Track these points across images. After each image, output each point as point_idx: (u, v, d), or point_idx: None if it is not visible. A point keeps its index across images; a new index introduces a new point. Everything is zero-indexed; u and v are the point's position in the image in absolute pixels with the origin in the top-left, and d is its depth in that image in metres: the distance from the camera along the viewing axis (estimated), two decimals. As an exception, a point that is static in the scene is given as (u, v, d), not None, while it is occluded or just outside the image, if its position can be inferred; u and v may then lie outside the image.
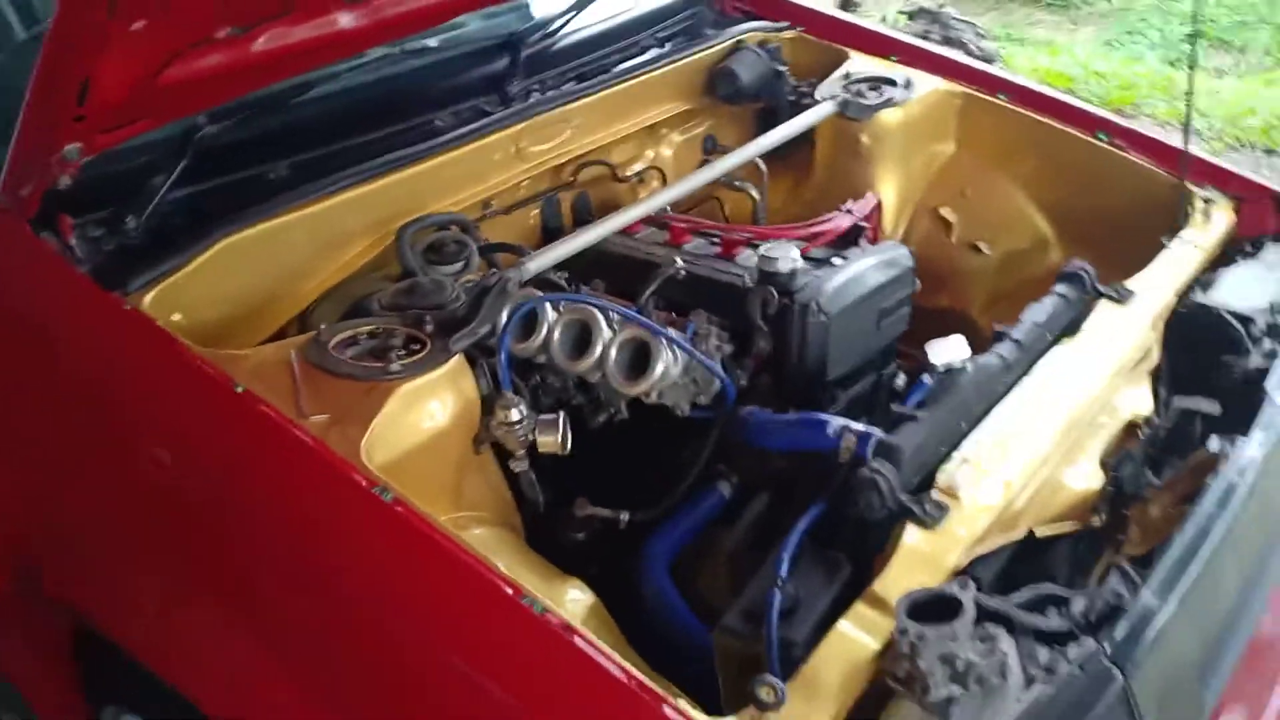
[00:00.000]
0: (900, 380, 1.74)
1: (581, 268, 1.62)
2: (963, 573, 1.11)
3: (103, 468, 1.25)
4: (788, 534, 1.18)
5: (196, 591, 1.16)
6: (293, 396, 1.17)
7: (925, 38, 5.14)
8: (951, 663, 0.95)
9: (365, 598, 1.04)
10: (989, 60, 5.16)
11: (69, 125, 1.21)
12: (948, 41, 5.07)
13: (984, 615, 1.04)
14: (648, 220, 1.80)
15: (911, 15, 5.27)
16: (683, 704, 0.92)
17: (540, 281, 1.53)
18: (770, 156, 2.08)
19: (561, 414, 1.30)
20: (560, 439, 1.28)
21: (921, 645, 0.94)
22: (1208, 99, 5.25)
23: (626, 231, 1.77)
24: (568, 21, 2.00)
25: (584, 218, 2.01)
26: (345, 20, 1.47)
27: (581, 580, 1.21)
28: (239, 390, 1.14)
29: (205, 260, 1.38)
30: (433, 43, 1.81)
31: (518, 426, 1.27)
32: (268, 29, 1.37)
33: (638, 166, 2.07)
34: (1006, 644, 1.00)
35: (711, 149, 2.20)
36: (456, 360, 1.25)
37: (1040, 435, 1.27)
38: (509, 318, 1.31)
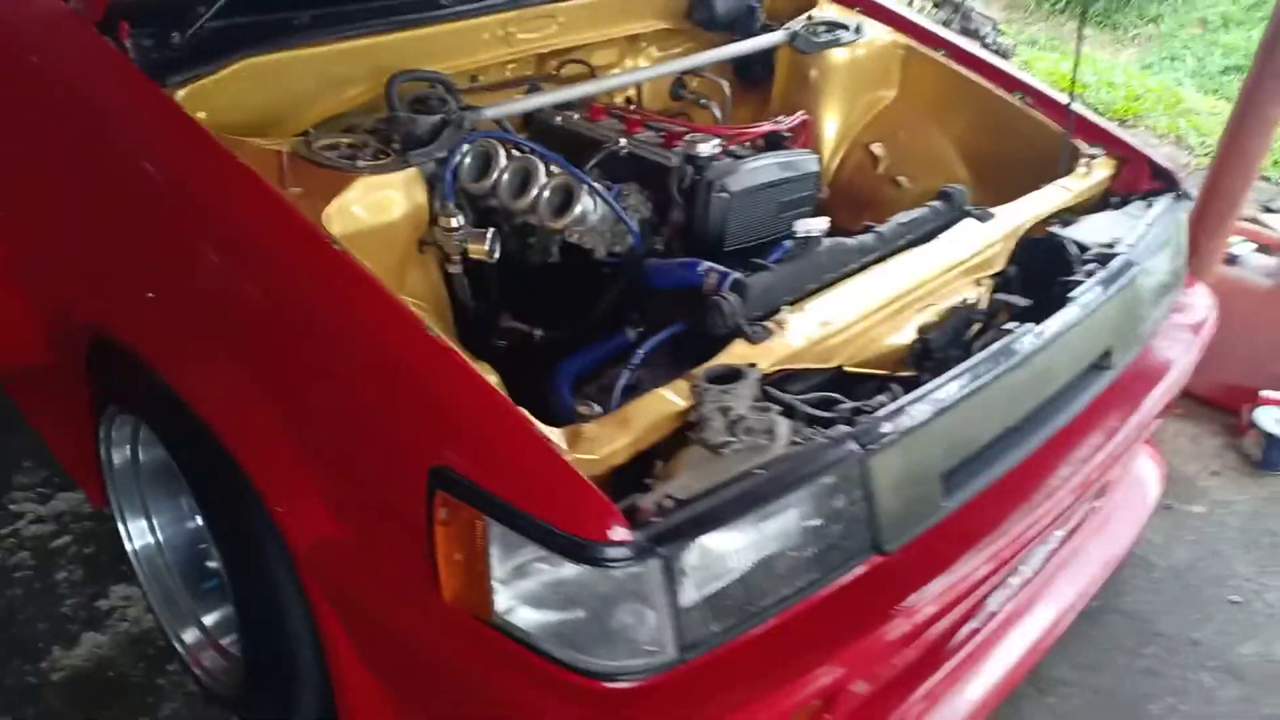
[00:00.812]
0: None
1: (548, 142, 1.94)
2: (774, 380, 1.43)
3: (138, 211, 1.59)
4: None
5: (194, 301, 1.50)
6: (279, 173, 1.50)
7: (946, 26, 5.38)
8: (727, 413, 1.27)
9: (314, 316, 1.38)
10: (1004, 55, 5.38)
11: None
12: (966, 32, 5.29)
13: (773, 399, 1.36)
14: (610, 113, 2.11)
15: (936, 4, 5.48)
16: (523, 411, 1.25)
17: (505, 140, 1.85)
18: (740, 83, 2.40)
19: (491, 229, 1.62)
20: (488, 248, 1.61)
21: (705, 395, 1.27)
22: (1210, 120, 5.45)
23: (591, 119, 2.09)
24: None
25: (564, 108, 2.32)
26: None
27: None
28: (241, 161, 1.47)
29: (229, 73, 1.71)
30: (450, -66, 2.11)
31: (455, 233, 1.60)
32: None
33: (615, 71, 2.38)
34: (780, 418, 1.32)
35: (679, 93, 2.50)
36: (412, 171, 1.58)
37: (868, 300, 1.58)
38: (457, 145, 1.63)
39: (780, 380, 1.45)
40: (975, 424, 1.49)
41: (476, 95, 2.11)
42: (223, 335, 1.46)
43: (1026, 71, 3.60)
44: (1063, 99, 2.20)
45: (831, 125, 2.39)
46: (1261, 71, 2.43)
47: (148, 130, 1.60)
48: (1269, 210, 4.45)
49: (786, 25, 2.34)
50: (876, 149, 2.38)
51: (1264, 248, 2.89)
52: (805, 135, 2.18)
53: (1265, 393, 2.80)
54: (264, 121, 1.77)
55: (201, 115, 1.66)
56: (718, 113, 2.36)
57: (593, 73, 2.31)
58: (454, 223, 1.60)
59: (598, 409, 1.31)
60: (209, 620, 1.92)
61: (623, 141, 1.93)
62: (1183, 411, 2.91)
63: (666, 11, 2.38)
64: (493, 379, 1.50)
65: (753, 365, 1.34)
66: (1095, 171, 2.07)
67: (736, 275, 1.56)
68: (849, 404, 1.38)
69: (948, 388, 1.44)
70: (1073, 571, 1.95)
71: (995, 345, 1.53)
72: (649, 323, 1.79)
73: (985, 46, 5.24)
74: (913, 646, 1.45)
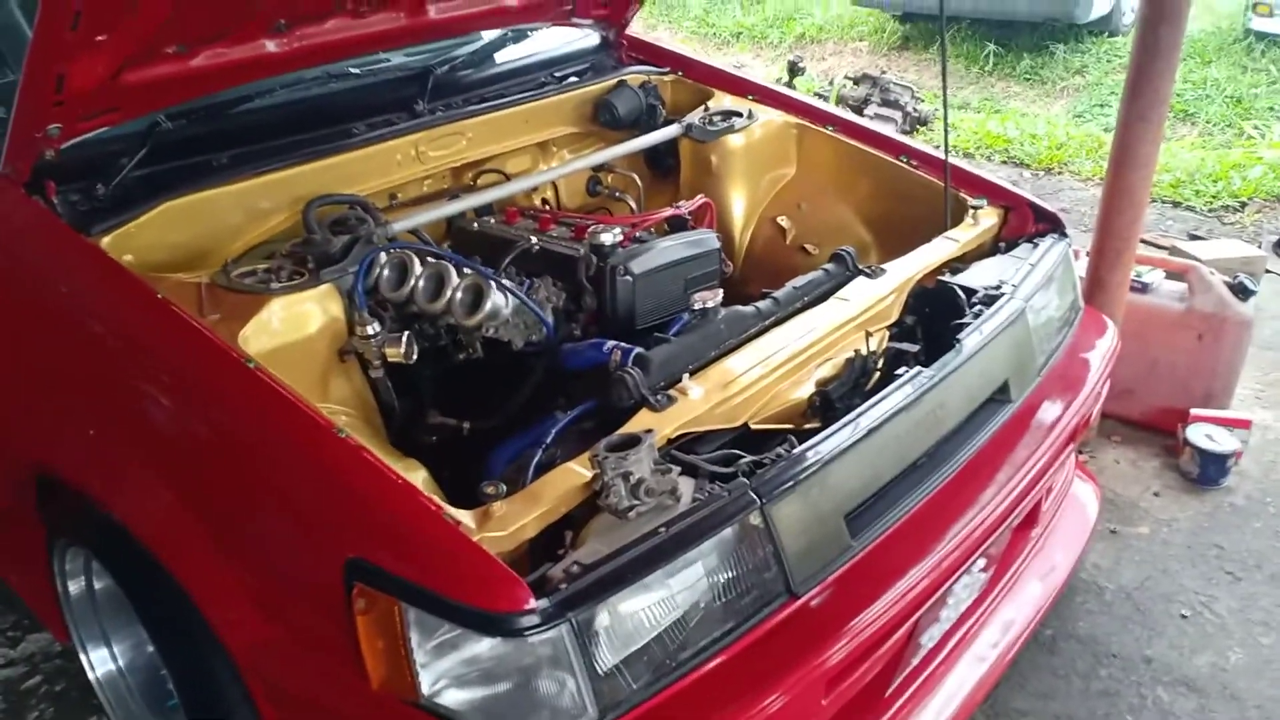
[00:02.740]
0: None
1: (466, 245, 2.07)
2: (681, 444, 1.51)
3: (73, 354, 1.68)
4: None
5: (126, 432, 1.58)
6: (198, 303, 1.60)
7: (867, 100, 5.64)
8: (628, 478, 1.34)
9: (233, 431, 1.46)
10: (924, 122, 5.63)
11: (50, 109, 1.66)
12: (886, 104, 5.55)
13: (675, 461, 1.44)
14: (524, 214, 2.24)
15: (856, 81, 5.76)
16: (435, 498, 1.32)
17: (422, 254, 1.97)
18: (652, 176, 2.56)
19: (406, 333, 1.72)
20: (404, 350, 1.70)
21: (606, 463, 1.34)
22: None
23: (508, 221, 2.21)
24: (476, 59, 2.48)
25: (482, 213, 2.45)
26: (271, 46, 1.94)
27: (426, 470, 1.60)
28: (160, 296, 1.57)
29: (153, 215, 1.82)
30: (356, 70, 2.27)
31: (373, 339, 1.70)
32: (206, 49, 1.84)
33: (529, 174, 2.52)
34: (682, 478, 1.40)
35: (597, 168, 2.66)
36: (325, 287, 1.69)
37: (768, 360, 1.68)
38: (367, 257, 1.74)
39: (688, 443, 1.53)
40: (875, 465, 1.57)
41: (396, 211, 2.24)
42: (153, 461, 1.53)
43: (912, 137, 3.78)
44: (939, 156, 2.35)
45: (738, 204, 2.54)
46: (1129, 115, 2.60)
47: (75, 278, 1.70)
48: (1194, 237, 4.65)
49: (684, 119, 2.50)
50: (783, 221, 2.51)
51: (1173, 274, 3.03)
52: (709, 216, 2.31)
53: (1195, 411, 2.91)
54: (190, 257, 1.87)
55: (128, 258, 1.76)
56: (633, 204, 2.50)
57: (507, 179, 2.45)
58: (370, 330, 1.70)
59: (504, 488, 1.38)
60: (172, 743, 1.95)
61: (534, 239, 2.06)
62: (1120, 439, 3.01)
63: (572, 118, 2.54)
64: (420, 474, 1.58)
65: (649, 430, 1.42)
66: (981, 220, 2.20)
67: (638, 350, 1.66)
68: (748, 458, 1.46)
69: (841, 433, 1.53)
70: (1014, 600, 2.01)
71: (887, 389, 1.62)
72: (573, 404, 1.89)
73: (906, 115, 5.50)
74: (843, 689, 1.50)
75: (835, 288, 1.94)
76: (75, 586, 1.91)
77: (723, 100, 2.61)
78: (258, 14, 1.84)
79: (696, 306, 1.75)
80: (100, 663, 1.97)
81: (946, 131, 2.25)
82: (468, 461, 1.80)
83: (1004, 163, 5.81)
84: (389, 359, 1.72)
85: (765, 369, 1.66)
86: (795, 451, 1.47)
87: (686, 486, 1.39)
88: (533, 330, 1.88)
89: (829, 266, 2.01)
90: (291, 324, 1.64)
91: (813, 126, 2.52)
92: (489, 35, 2.58)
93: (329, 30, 2.00)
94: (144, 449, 1.55)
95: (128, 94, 1.80)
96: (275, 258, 1.80)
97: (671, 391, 1.58)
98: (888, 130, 2.61)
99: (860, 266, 2.00)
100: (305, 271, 1.73)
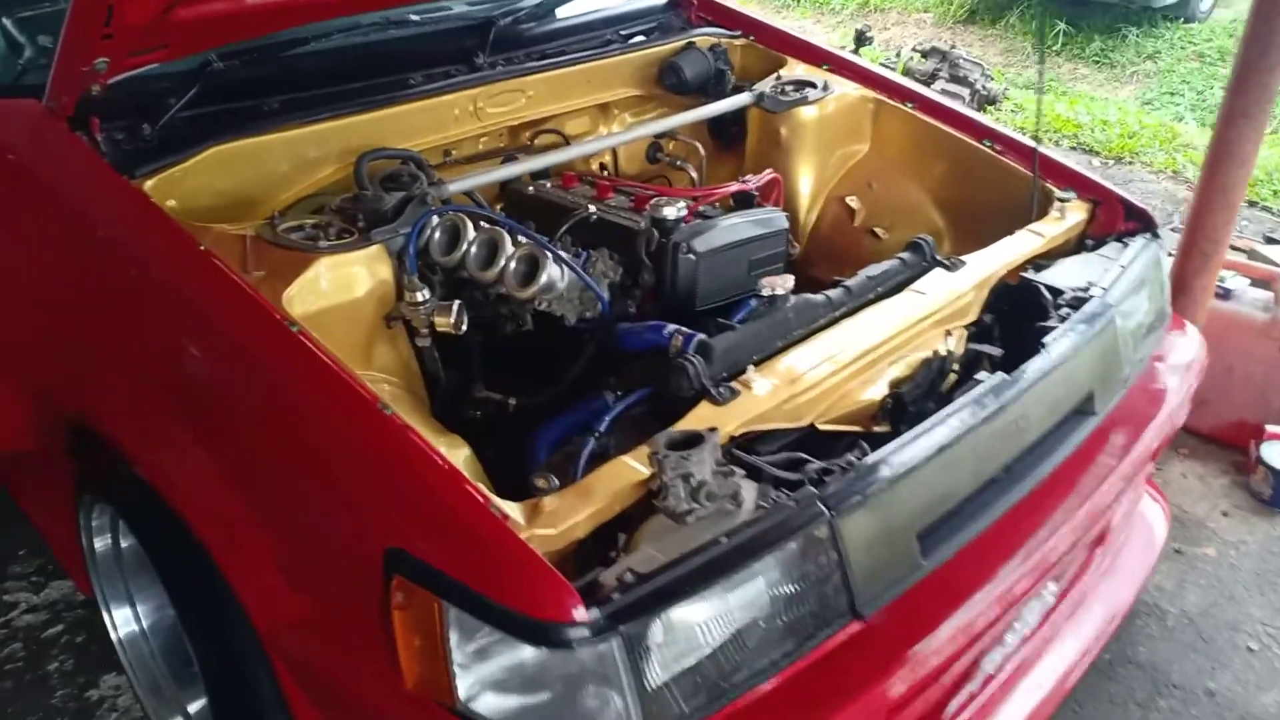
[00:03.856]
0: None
1: (519, 209, 1.96)
2: (743, 442, 1.41)
3: (109, 300, 1.61)
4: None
5: (163, 388, 1.50)
6: (242, 258, 1.51)
7: (935, 75, 5.43)
8: (689, 480, 1.24)
9: (273, 400, 1.37)
10: (993, 101, 5.42)
11: (98, 42, 1.57)
12: (955, 80, 5.34)
13: (738, 462, 1.34)
14: (582, 179, 2.13)
15: (925, 54, 5.55)
16: (481, 487, 1.23)
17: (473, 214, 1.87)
18: (715, 144, 2.43)
19: (457, 301, 1.62)
20: (454, 320, 1.60)
21: (666, 463, 1.24)
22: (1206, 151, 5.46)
23: (564, 186, 2.10)
24: (541, 11, 2.36)
25: (538, 176, 2.34)
26: (335, -14, 1.82)
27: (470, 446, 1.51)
28: (202, 248, 1.48)
29: (199, 160, 1.74)
30: (415, 17, 2.16)
31: (422, 307, 1.60)
32: (266, -16, 1.73)
33: (589, 138, 2.41)
34: (745, 481, 1.30)
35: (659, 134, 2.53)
36: (375, 248, 1.59)
37: (838, 356, 1.57)
38: (420, 219, 1.64)
39: (749, 442, 1.43)
40: (950, 479, 1.46)
41: (450, 169, 2.14)
42: (188, 421, 1.45)
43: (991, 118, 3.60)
44: (1029, 143, 2.20)
45: (805, 181, 2.40)
46: (1232, 110, 2.43)
47: (116, 221, 1.62)
48: (1270, 241, 4.43)
49: (754, 86, 2.36)
50: (852, 202, 2.38)
51: (1258, 281, 2.86)
52: (776, 193, 2.18)
53: (1272, 428, 2.75)
54: (236, 205, 1.79)
55: (171, 203, 1.68)
56: (694, 174, 2.38)
57: (567, 142, 2.34)
58: (419, 296, 1.60)
59: (555, 482, 1.29)
60: (193, 708, 1.89)
61: (591, 208, 1.94)
62: (1189, 451, 2.86)
63: (636, 79, 2.41)
64: (463, 452, 1.49)
65: (713, 429, 1.32)
66: (1068, 215, 2.06)
67: (701, 336, 1.55)
68: (817, 464, 1.36)
69: (919, 443, 1.42)
70: (1077, 624, 1.90)
71: (966, 396, 1.50)
72: (625, 387, 1.79)
73: (975, 93, 5.29)
74: (903, 717, 1.40)
75: (911, 279, 1.81)
76: (101, 543, 1.85)
77: (795, 69, 2.47)
78: (320, -49, 1.73)
79: (765, 293, 1.64)
80: (124, 623, 1.91)
81: (1039, 117, 2.13)
82: (512, 438, 1.72)
83: (1073, 148, 5.58)
84: (437, 328, 1.62)
85: (835, 365, 1.55)
86: (868, 460, 1.36)
87: (749, 491, 1.29)
88: (587, 306, 1.78)
89: (905, 255, 1.88)
90: (338, 285, 1.55)
91: (890, 102, 2.37)
92: (554, -16, 2.45)
93: (391, -30, 1.89)
94: (178, 407, 1.47)
95: (179, 30, 1.70)
96: (324, 212, 1.71)
97: (735, 384, 1.47)
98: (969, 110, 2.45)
99: (938, 257, 1.87)
100: (354, 230, 1.63)
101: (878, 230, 2.35)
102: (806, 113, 2.32)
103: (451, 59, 2.17)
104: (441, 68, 2.14)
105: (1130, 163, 5.42)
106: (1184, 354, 2.06)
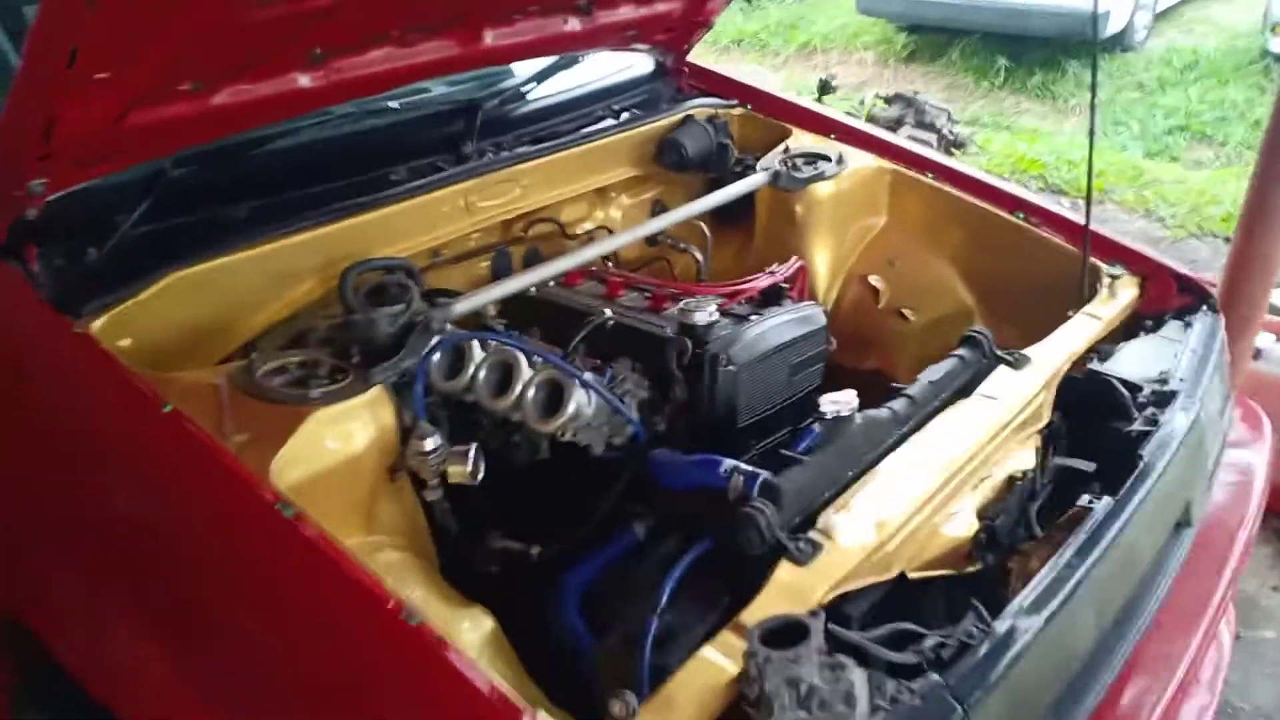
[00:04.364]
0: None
1: (521, 315, 1.74)
2: (829, 607, 1.19)
3: (45, 471, 1.34)
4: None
5: (114, 592, 1.24)
6: (217, 416, 1.26)
7: (900, 121, 5.35)
8: (796, 686, 1.02)
9: (261, 606, 1.12)
10: (960, 145, 5.36)
11: (34, 163, 1.32)
12: (921, 125, 5.27)
13: (839, 646, 1.12)
14: (589, 275, 1.92)
15: (888, 100, 5.47)
16: (541, 714, 0.99)
17: (478, 327, 1.64)
18: (718, 223, 2.23)
19: (474, 446, 1.39)
20: (470, 469, 1.37)
21: (768, 667, 1.02)
22: (1175, 188, 5.45)
23: (568, 284, 1.89)
24: (526, 89, 2.15)
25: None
26: (304, 80, 1.60)
27: (486, 608, 1.29)
28: (167, 409, 1.23)
29: (156, 291, 1.48)
30: (394, 104, 1.94)
31: (431, 456, 1.37)
32: (229, 85, 1.50)
33: (587, 225, 2.20)
34: (855, 673, 1.07)
35: (659, 212, 2.33)
36: (375, 390, 1.35)
37: (919, 485, 1.36)
38: (428, 352, 1.41)
39: (835, 606, 1.21)
40: (1077, 633, 1.25)
41: (439, 271, 1.92)
42: (153, 635, 1.19)
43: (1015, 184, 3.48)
44: (1068, 214, 2.05)
45: (822, 260, 2.22)
46: (1268, 172, 2.31)
47: (58, 375, 1.37)
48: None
49: (763, 163, 2.18)
50: (875, 282, 2.20)
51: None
52: (801, 281, 1.99)
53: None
54: (201, 338, 1.55)
55: (124, 343, 1.43)
56: (699, 255, 2.19)
57: (562, 230, 2.13)
58: (429, 444, 1.36)
59: (634, 705, 1.04)
60: None
61: (607, 312, 1.73)
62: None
63: (633, 159, 2.22)
64: (487, 625, 1.26)
65: (817, 612, 1.10)
66: (1119, 293, 1.90)
67: (765, 476, 1.34)
68: (930, 637, 1.14)
69: (1041, 597, 1.21)
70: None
71: (1080, 532, 1.31)
72: (660, 518, 1.56)
73: (941, 139, 5.22)
74: None
75: (973, 380, 1.63)
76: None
77: (801, 139, 2.29)
78: (290, 44, 1.51)
79: (828, 412, 1.43)
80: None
81: (1090, 189, 1.93)
82: (536, 586, 1.48)
83: (1041, 189, 5.53)
84: (450, 479, 1.39)
85: (921, 498, 1.34)
86: (994, 630, 1.15)
87: (860, 688, 1.07)
88: (616, 432, 1.56)
89: (963, 353, 1.69)
90: (335, 443, 1.30)
91: (908, 173, 2.21)
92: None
93: (371, 61, 1.67)
94: (141, 619, 1.21)
95: (132, 138, 1.47)
96: (308, 344, 1.47)
97: (814, 533, 1.26)
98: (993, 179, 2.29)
99: (999, 352, 1.68)
100: (348, 369, 1.39)
101: (905, 311, 2.17)
102: (822, 189, 2.15)
103: (436, 148, 1.96)
104: (426, 159, 1.92)
105: (1101, 202, 5.38)
106: (1254, 436, 1.90)
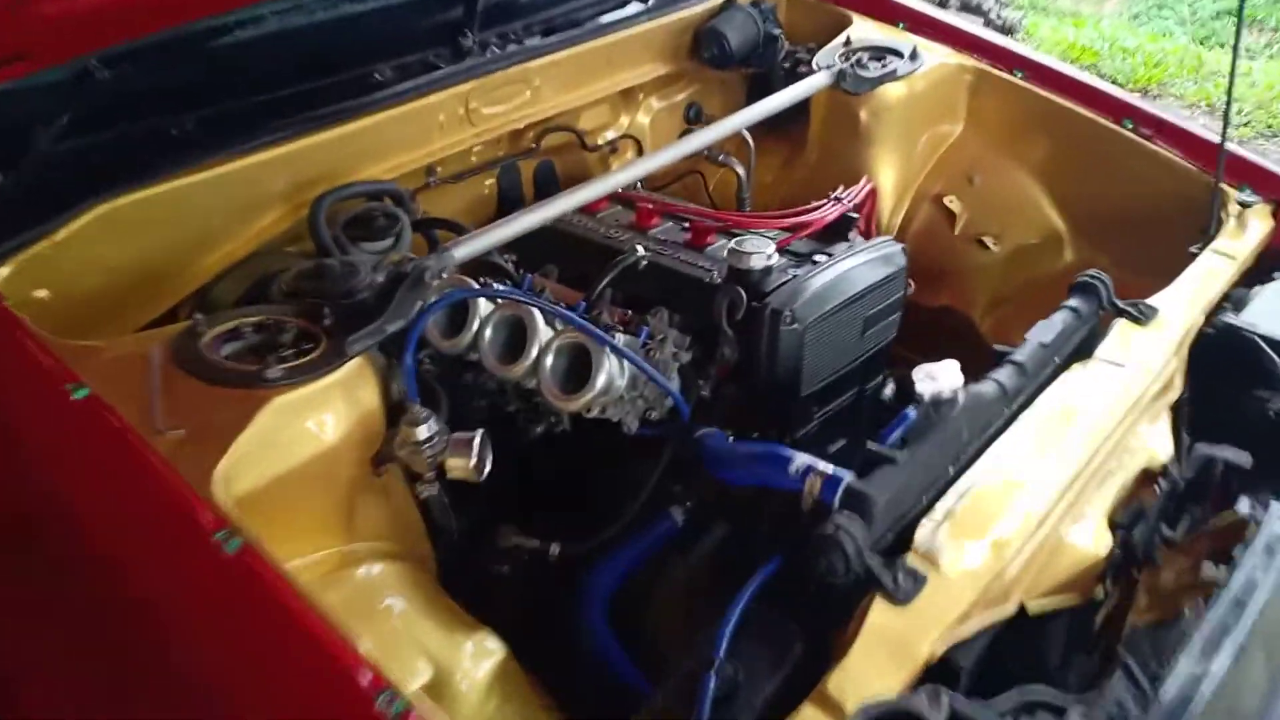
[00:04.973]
0: (889, 390, 1.56)
1: (533, 248, 1.42)
2: (941, 662, 0.93)
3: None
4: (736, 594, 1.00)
5: (25, 629, 0.97)
6: (148, 403, 0.98)
7: (942, 4, 4.86)
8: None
9: (201, 669, 0.85)
10: (1010, 31, 4.89)
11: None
12: (966, 8, 4.79)
13: None
14: (614, 197, 1.60)
15: (932, -22, 4.97)
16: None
17: (482, 265, 1.34)
18: (761, 129, 1.88)
19: (479, 434, 1.10)
20: (474, 464, 1.09)
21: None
22: (1240, 82, 5.00)
23: (589, 209, 1.57)
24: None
25: (548, 189, 1.81)
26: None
27: (493, 630, 1.04)
28: (79, 395, 0.95)
29: (79, 228, 1.19)
30: (377, -16, 1.59)
31: (425, 446, 1.08)
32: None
33: (610, 134, 1.88)
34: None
35: (695, 118, 2.00)
36: (352, 365, 1.06)
37: (1039, 485, 1.08)
38: (419, 313, 1.11)
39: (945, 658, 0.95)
40: (1250, 682, 0.99)
41: (434, 193, 1.60)
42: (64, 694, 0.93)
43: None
44: (1187, 124, 1.71)
45: (888, 177, 1.89)
46: None
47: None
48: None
49: (821, 58, 1.82)
50: (950, 202, 1.88)
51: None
52: (870, 205, 1.66)
53: None
54: (138, 286, 1.26)
55: (41, 294, 1.15)
56: (739, 169, 1.86)
57: (581, 141, 1.80)
58: (423, 432, 1.08)
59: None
60: None
61: (640, 249, 1.41)
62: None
63: (666, 53, 1.87)
64: (497, 656, 1.01)
65: (936, 687, 0.83)
66: (1251, 224, 1.57)
67: (849, 480, 1.05)
68: (1073, 713, 0.88)
69: (1204, 639, 0.94)
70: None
71: (1249, 554, 1.03)
72: (703, 500, 1.29)
73: (989, 23, 4.75)
74: None
75: (1089, 339, 1.33)
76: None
77: (862, 28, 1.93)
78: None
79: (925, 393, 1.13)
80: None
81: (1230, 95, 1.57)
82: (557, 585, 1.23)
83: (1095, 82, 5.08)
84: (449, 473, 1.11)
85: (1044, 502, 1.06)
86: (1163, 694, 0.88)
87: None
88: (653, 405, 1.27)
89: (1076, 304, 1.38)
90: (298, 439, 1.01)
91: (994, 71, 1.86)
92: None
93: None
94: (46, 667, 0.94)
95: (41, 31, 1.14)
96: (273, 299, 1.17)
97: (914, 559, 0.98)
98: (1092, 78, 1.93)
99: (1118, 303, 1.38)
100: (320, 331, 1.09)
101: (986, 240, 1.85)
102: (893, 91, 1.80)
103: (429, 40, 1.62)
104: (417, 54, 1.58)
105: (1158, 95, 4.95)
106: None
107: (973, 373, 1.20)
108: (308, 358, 1.04)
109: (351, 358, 1.05)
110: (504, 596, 1.24)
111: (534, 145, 1.74)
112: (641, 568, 1.27)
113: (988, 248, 1.85)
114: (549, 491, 1.33)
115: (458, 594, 1.14)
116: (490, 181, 1.73)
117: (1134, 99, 1.81)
